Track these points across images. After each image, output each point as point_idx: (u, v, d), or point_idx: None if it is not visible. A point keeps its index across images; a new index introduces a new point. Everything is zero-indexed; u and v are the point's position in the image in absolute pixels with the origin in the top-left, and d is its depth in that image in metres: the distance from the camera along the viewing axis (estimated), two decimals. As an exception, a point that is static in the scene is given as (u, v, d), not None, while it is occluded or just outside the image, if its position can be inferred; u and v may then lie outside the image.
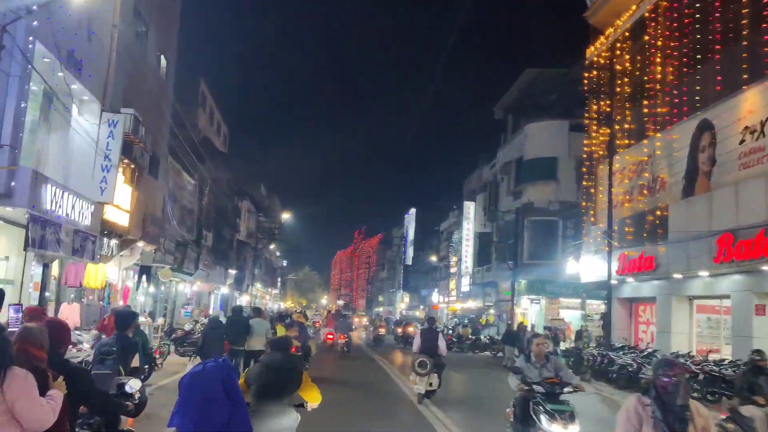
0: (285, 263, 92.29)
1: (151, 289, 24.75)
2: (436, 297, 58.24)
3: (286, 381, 5.34)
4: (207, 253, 31.98)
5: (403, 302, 79.29)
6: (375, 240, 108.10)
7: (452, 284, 51.07)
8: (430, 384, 13.25)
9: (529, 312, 35.91)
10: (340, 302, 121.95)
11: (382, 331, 36.37)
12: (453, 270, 50.51)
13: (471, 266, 45.88)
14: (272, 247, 54.71)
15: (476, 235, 45.47)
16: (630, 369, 19.98)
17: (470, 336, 34.63)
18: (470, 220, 46.15)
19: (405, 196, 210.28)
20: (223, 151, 38.06)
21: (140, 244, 20.71)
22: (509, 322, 34.86)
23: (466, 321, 41.00)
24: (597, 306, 32.90)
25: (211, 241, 33.92)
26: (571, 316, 33.31)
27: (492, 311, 38.82)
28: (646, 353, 21.08)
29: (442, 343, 14.02)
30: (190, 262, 28.95)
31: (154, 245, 21.61)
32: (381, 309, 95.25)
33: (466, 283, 46.72)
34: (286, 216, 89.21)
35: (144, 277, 20.61)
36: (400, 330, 37.59)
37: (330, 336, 27.09)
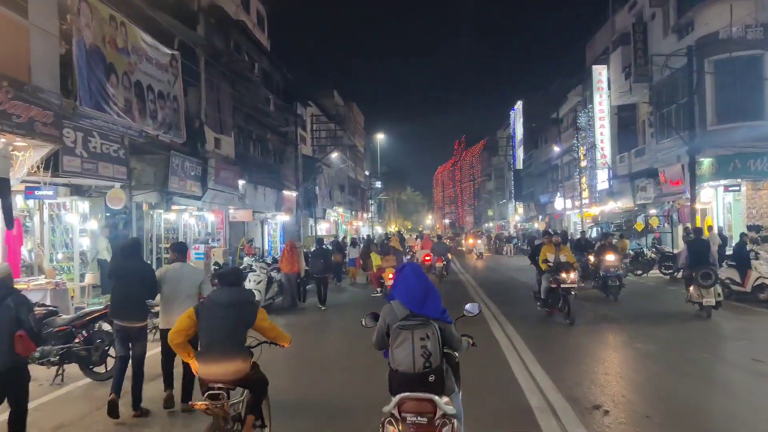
0: (379, 184, 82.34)
1: (91, 224, 14.84)
2: (560, 203, 46.15)
3: (237, 319, 5.08)
4: (221, 165, 21.80)
5: (516, 214, 67.49)
6: (478, 147, 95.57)
7: (582, 183, 38.87)
8: (718, 294, 12.56)
9: (715, 206, 23.59)
10: (446, 221, 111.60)
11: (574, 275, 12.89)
12: (582, 164, 38.14)
13: (609, 154, 33.46)
14: (333, 155, 43.68)
15: (614, 110, 32.84)
16: None
17: (629, 251, 22.93)
18: (603, 91, 33.40)
19: (509, 92, 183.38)
20: (243, 24, 27.06)
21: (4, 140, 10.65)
22: (686, 226, 22.83)
23: (613, 229, 29.11)
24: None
25: (233, 150, 23.74)
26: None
27: (653, 212, 26.62)
28: None
29: (715, 252, 13.48)
30: (185, 178, 18.87)
31: (47, 141, 11.44)
32: (491, 224, 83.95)
33: (603, 179, 34.47)
34: (380, 137, 79.37)
35: None
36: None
37: (428, 257, 24.69)
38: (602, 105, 33.52)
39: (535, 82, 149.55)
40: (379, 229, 77.03)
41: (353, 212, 58.56)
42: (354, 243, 27.10)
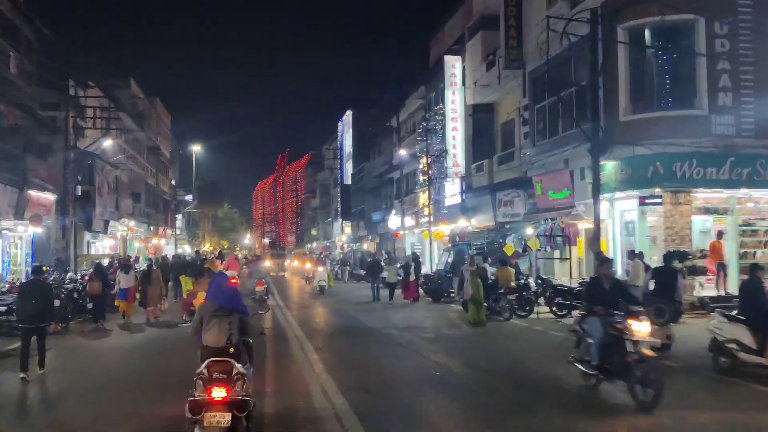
0: (190, 197, 72.17)
1: None
2: (395, 221, 40.22)
3: None
4: None
5: (344, 234, 61.15)
6: (302, 162, 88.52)
7: (423, 199, 33.09)
8: (668, 337, 10.65)
9: (611, 225, 18.33)
10: (266, 240, 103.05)
11: None
12: (425, 177, 32.26)
13: (463, 163, 27.83)
14: (106, 143, 33.21)
15: (468, 111, 27.35)
16: None
17: (514, 281, 16.80)
18: (456, 87, 27.82)
19: (339, 103, 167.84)
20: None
21: None
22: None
23: (474, 252, 23.19)
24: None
25: None
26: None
27: (531, 231, 20.86)
28: None
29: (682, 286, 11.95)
30: None
31: None
32: (314, 244, 77.10)
33: (452, 192, 28.80)
34: (196, 148, 69.25)
35: None
36: None
37: (234, 281, 13.35)
38: (455, 104, 27.90)
39: (368, 90, 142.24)
40: (188, 248, 67.03)
41: (151, 227, 48.54)
42: (126, 268, 18.59)
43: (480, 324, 14.65)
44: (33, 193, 22.54)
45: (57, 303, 13.96)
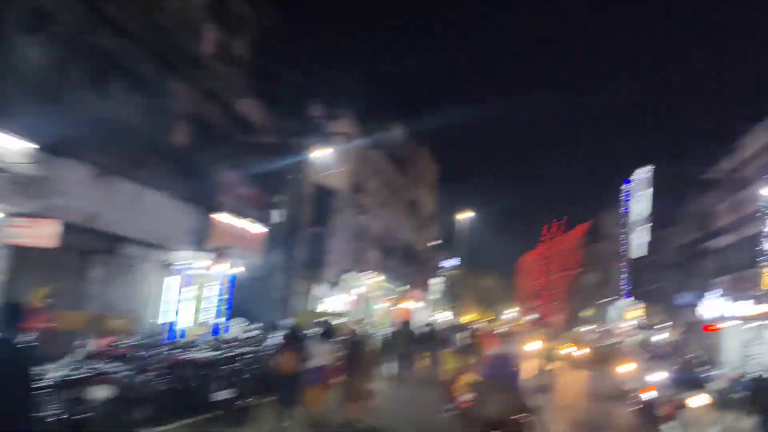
0: (452, 261, 65.97)
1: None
2: (714, 307, 28.64)
3: None
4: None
5: (626, 316, 49.37)
6: (578, 231, 78.11)
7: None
8: None
9: None
10: (529, 318, 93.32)
11: None
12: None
13: None
14: (324, 153, 26.15)
15: None
16: None
17: None
18: None
19: (621, 165, 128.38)
20: None
21: None
22: None
23: None
24: None
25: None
26: None
27: None
28: None
29: None
30: None
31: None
32: (588, 327, 65.49)
33: None
34: (463, 216, 64.01)
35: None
36: None
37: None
38: None
39: (664, 145, 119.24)
40: (448, 315, 60.56)
41: (398, 286, 42.20)
42: (327, 333, 11.68)
43: None
44: (222, 219, 16.80)
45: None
